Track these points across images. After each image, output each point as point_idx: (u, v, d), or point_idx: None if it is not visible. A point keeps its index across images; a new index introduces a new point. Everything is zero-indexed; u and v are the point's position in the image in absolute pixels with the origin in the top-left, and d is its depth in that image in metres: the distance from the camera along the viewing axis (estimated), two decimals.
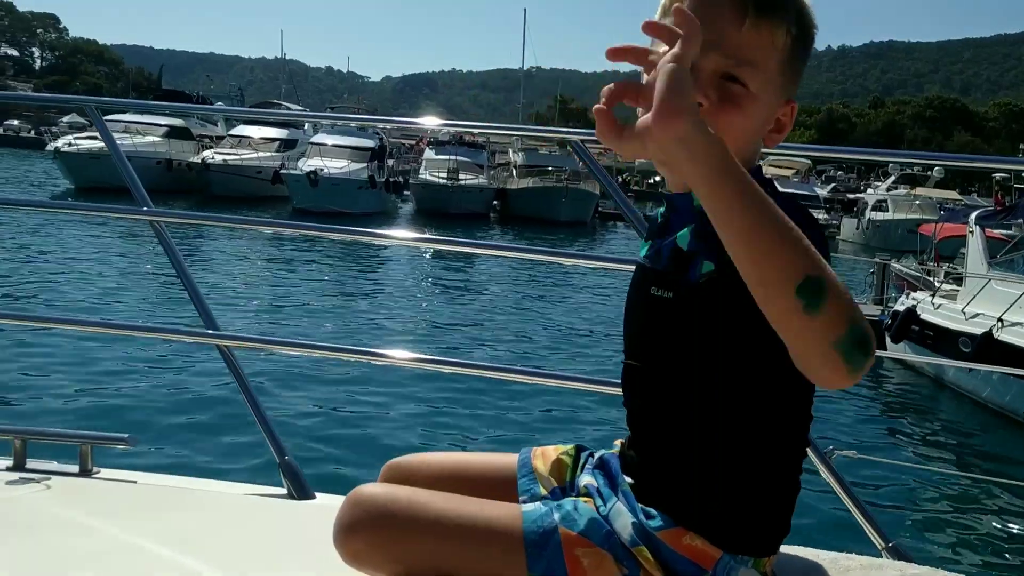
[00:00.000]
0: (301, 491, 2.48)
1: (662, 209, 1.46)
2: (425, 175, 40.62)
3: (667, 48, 1.02)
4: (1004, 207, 15.73)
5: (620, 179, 67.91)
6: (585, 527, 1.35)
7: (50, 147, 39.31)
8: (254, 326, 13.39)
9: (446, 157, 40.43)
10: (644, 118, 1.00)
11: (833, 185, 60.61)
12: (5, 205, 3.61)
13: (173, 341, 9.82)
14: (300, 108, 54.91)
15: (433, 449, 4.47)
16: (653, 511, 1.35)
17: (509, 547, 1.35)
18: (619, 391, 1.51)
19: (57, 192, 36.49)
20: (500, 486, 1.57)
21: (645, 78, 1.08)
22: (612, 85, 1.07)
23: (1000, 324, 11.42)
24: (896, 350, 13.88)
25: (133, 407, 8.80)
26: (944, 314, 13.48)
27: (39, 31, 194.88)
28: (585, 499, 1.43)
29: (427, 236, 3.09)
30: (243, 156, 39.04)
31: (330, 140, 38.44)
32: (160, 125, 41.61)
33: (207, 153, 39.83)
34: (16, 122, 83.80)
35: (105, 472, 2.56)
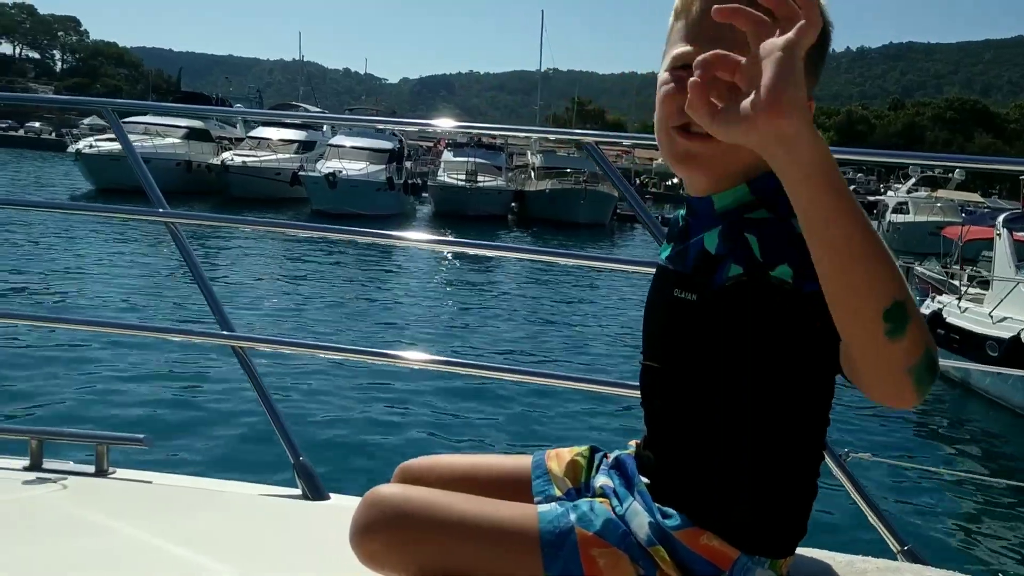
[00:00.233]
0: (315, 492, 2.49)
1: (682, 211, 1.45)
2: (443, 177, 40.57)
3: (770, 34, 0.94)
4: None
5: (638, 181, 67.72)
6: (601, 527, 1.35)
7: (71, 149, 39.53)
8: (271, 327, 13.41)
9: (464, 159, 40.36)
10: (748, 104, 0.93)
11: (853, 187, 59.81)
12: (23, 207, 3.64)
13: (188, 342, 9.80)
14: (319, 110, 55.09)
15: (448, 451, 4.48)
16: (670, 511, 1.35)
17: (525, 548, 1.35)
18: (634, 393, 1.50)
19: (78, 194, 36.67)
20: (514, 488, 1.57)
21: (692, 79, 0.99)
22: (709, 54, 0.97)
23: None
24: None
25: (149, 408, 8.84)
26: (971, 318, 13.37)
27: (60, 34, 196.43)
28: (601, 500, 1.43)
29: (437, 238, 3.11)
30: (262, 158, 39.18)
31: (348, 142, 38.49)
32: (180, 127, 41.78)
33: (226, 155, 39.93)
34: (37, 124, 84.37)
35: (121, 472, 2.57)
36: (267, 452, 6.80)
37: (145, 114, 41.15)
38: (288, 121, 42.20)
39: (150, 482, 2.53)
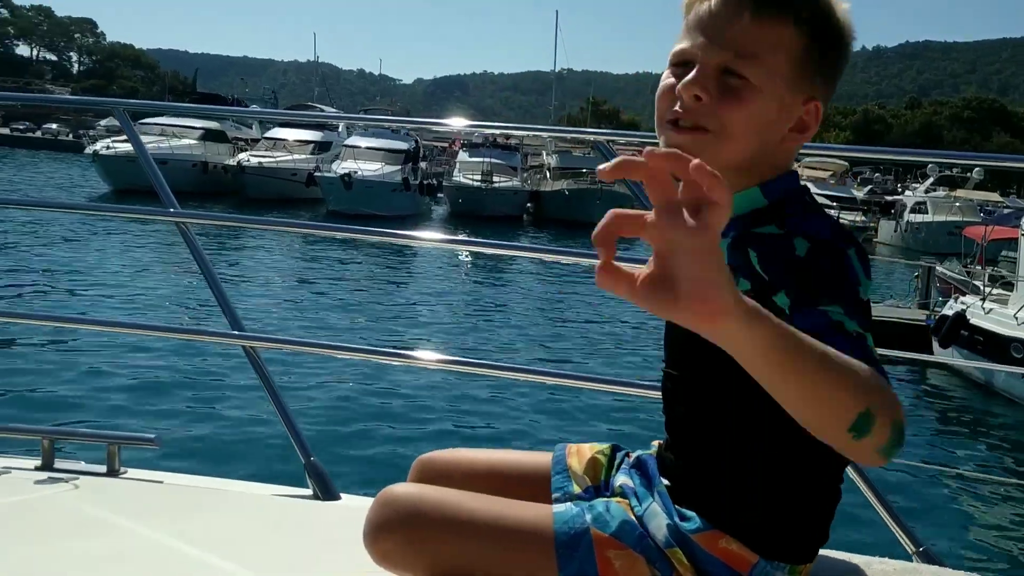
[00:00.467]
0: (327, 492, 2.49)
1: None
2: (459, 177, 40.55)
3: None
4: None
5: None
6: (617, 528, 1.35)
7: (88, 150, 39.68)
8: (286, 327, 13.44)
9: (480, 159, 40.33)
10: (676, 290, 0.83)
11: (870, 187, 59.85)
12: (35, 207, 3.65)
13: (199, 342, 9.83)
14: (334, 111, 55.16)
15: None
16: (689, 513, 1.34)
17: (540, 548, 1.34)
18: (652, 394, 1.53)
19: (95, 195, 36.84)
20: (533, 484, 1.57)
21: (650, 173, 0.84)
22: (603, 224, 0.86)
23: None
24: (944, 355, 13.67)
25: (160, 407, 8.88)
26: (995, 319, 13.28)
27: (77, 36, 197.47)
28: (619, 499, 1.43)
29: (444, 236, 3.10)
30: (278, 158, 39.24)
31: (364, 142, 38.49)
32: (196, 128, 41.89)
33: (242, 156, 40.00)
34: (55, 126, 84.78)
35: (132, 472, 2.58)
36: (278, 452, 6.97)
37: (161, 115, 41.37)
38: (304, 122, 42.21)
39: (161, 482, 2.54)
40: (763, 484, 1.31)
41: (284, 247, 23.86)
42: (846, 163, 52.45)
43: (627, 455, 1.58)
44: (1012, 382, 12.59)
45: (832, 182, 48.77)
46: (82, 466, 2.58)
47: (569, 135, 9.20)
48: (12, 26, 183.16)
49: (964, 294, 15.65)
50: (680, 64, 1.29)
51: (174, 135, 39.69)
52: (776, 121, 1.29)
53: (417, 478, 1.63)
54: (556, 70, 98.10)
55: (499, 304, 17.94)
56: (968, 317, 13.70)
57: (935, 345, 13.93)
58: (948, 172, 44.94)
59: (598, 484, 1.55)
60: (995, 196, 46.74)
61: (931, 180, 45.79)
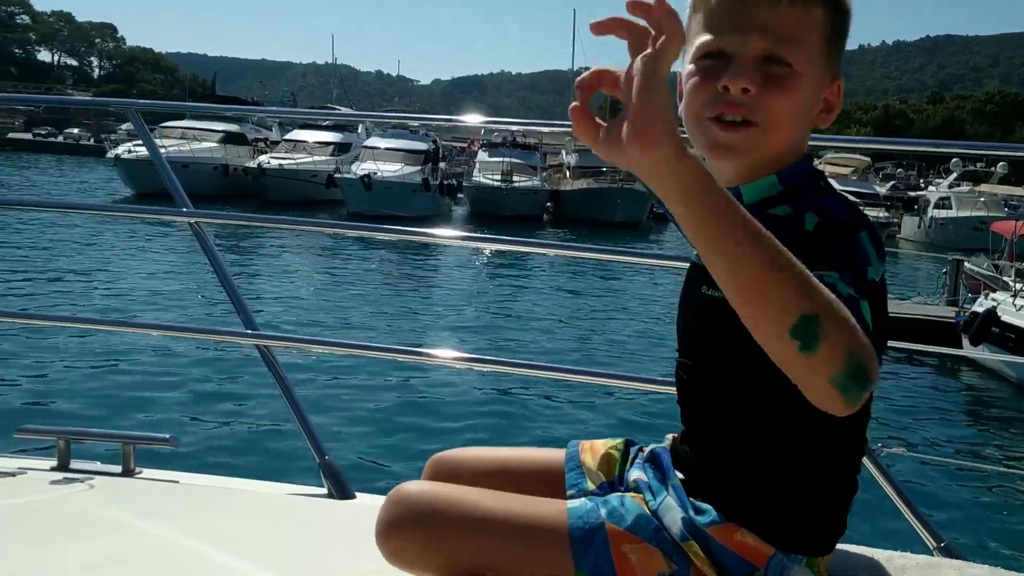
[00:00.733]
0: (342, 491, 2.48)
1: None
2: (479, 177, 40.57)
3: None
4: None
5: None
6: (632, 523, 1.34)
7: (110, 154, 39.94)
8: (305, 327, 13.51)
9: (500, 159, 40.35)
10: (623, 131, 0.92)
11: (892, 183, 59.34)
12: (50, 208, 3.62)
13: (213, 342, 9.86)
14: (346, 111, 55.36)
15: None
16: (704, 506, 1.34)
17: (555, 544, 1.34)
18: (670, 390, 1.48)
19: (117, 199, 37.08)
20: (547, 481, 1.56)
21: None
22: (587, 73, 0.97)
23: None
24: (974, 353, 13.48)
25: (175, 407, 8.93)
26: None
27: (97, 41, 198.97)
28: (634, 494, 1.42)
29: (460, 233, 3.09)
30: (298, 160, 39.35)
31: (383, 143, 38.57)
32: (216, 131, 42.10)
33: (263, 158, 40.16)
34: (76, 130, 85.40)
35: (147, 472, 2.58)
36: (293, 451, 6.99)
37: (182, 117, 41.55)
38: (324, 124, 42.33)
39: (176, 482, 2.54)
40: (779, 475, 1.31)
41: (303, 248, 23.97)
42: (868, 159, 52.05)
43: (640, 449, 1.57)
44: None
45: (854, 178, 48.37)
46: (97, 466, 2.58)
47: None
48: (33, 32, 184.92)
49: (994, 290, 15.42)
50: (707, 57, 1.27)
51: (194, 138, 39.88)
52: (812, 106, 1.30)
53: (431, 477, 1.62)
54: (574, 69, 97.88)
55: (515, 302, 17.94)
56: (999, 314, 13.49)
57: (965, 343, 13.72)
58: (972, 167, 44.58)
59: (612, 479, 1.54)
60: (1020, 191, 46.05)
61: (954, 175, 45.37)
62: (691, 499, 1.36)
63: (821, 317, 0.92)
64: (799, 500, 1.31)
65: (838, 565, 1.44)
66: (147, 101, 4.59)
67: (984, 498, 8.20)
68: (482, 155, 43.97)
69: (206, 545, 2.05)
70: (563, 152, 48.85)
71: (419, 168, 37.26)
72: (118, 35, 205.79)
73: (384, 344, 3.12)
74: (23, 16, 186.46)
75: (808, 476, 1.31)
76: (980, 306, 14.36)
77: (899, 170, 67.53)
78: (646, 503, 1.39)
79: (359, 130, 43.61)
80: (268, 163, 38.64)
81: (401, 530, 1.37)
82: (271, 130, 49.56)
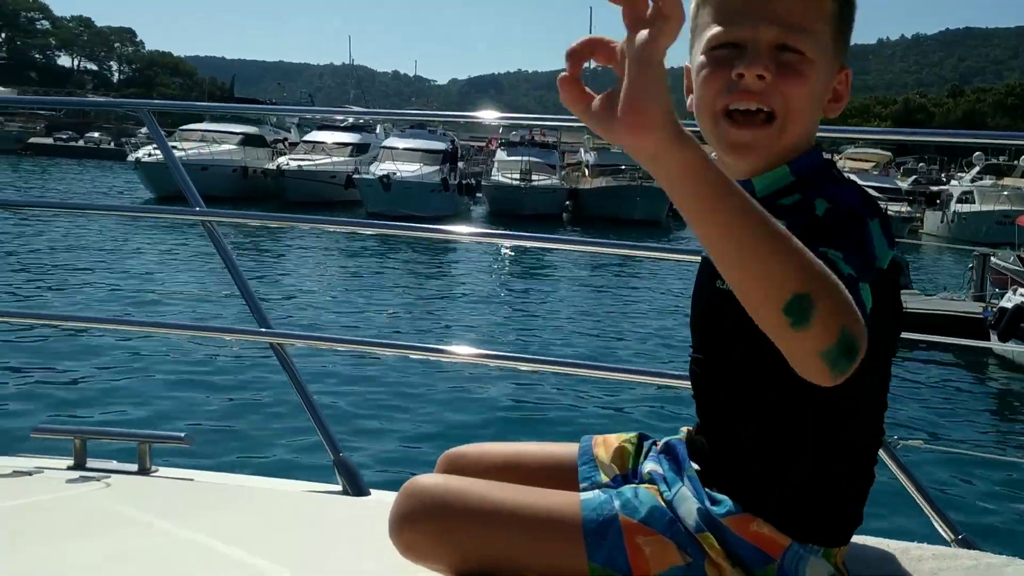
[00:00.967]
0: (356, 488, 2.47)
1: None
2: (497, 177, 40.57)
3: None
4: None
5: None
6: (646, 514, 1.34)
7: (131, 158, 40.10)
8: (321, 325, 13.58)
9: (518, 158, 40.30)
10: (615, 112, 0.90)
11: (914, 177, 58.89)
12: (65, 208, 3.61)
13: (227, 340, 9.89)
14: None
15: None
16: (720, 496, 1.33)
17: (568, 536, 1.33)
18: (683, 384, 1.52)
19: (138, 201, 37.29)
20: (560, 475, 1.55)
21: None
22: (579, 41, 0.96)
23: None
24: (1002, 345, 13.32)
25: (190, 406, 8.96)
26: None
27: (116, 45, 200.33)
28: (648, 486, 1.41)
29: (474, 229, 3.16)
30: (317, 162, 39.41)
31: (402, 144, 38.59)
32: (235, 133, 42.25)
33: (282, 159, 40.25)
34: (97, 134, 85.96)
35: (163, 471, 2.58)
36: (307, 449, 7.01)
37: (202, 120, 41.72)
38: (342, 124, 42.46)
39: (192, 480, 2.54)
40: (794, 467, 1.30)
41: (322, 248, 24.09)
42: (889, 154, 51.69)
43: (654, 443, 1.57)
44: None
45: (875, 173, 48.03)
46: (114, 465, 2.58)
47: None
48: (53, 37, 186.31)
49: (1021, 285, 15.22)
50: (719, 48, 1.27)
51: (214, 140, 40.01)
52: (824, 94, 1.31)
53: (443, 471, 1.62)
54: (591, 66, 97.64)
55: (533, 300, 17.93)
56: None
57: (993, 339, 13.55)
58: (994, 160, 44.17)
59: (626, 472, 1.54)
60: None
61: (977, 169, 45.02)
62: (707, 490, 1.35)
63: (813, 295, 0.91)
64: (815, 491, 1.31)
65: (854, 556, 1.42)
66: (159, 102, 4.59)
67: (1003, 490, 8.11)
68: (501, 154, 43.96)
69: (222, 542, 2.04)
70: (581, 150, 48.78)
71: (438, 168, 37.25)
72: (137, 39, 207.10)
73: (397, 341, 3.10)
74: (43, 21, 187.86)
75: (823, 468, 1.30)
76: (1008, 301, 14.17)
77: (920, 164, 67.08)
78: (661, 494, 1.38)
79: (377, 131, 43.64)
80: (287, 165, 38.72)
81: (414, 523, 1.38)
82: (290, 131, 49.69)
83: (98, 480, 2.45)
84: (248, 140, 42.79)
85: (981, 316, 14.58)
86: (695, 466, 1.40)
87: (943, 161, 69.82)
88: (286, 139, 47.60)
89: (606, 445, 1.59)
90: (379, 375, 10.29)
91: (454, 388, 10.07)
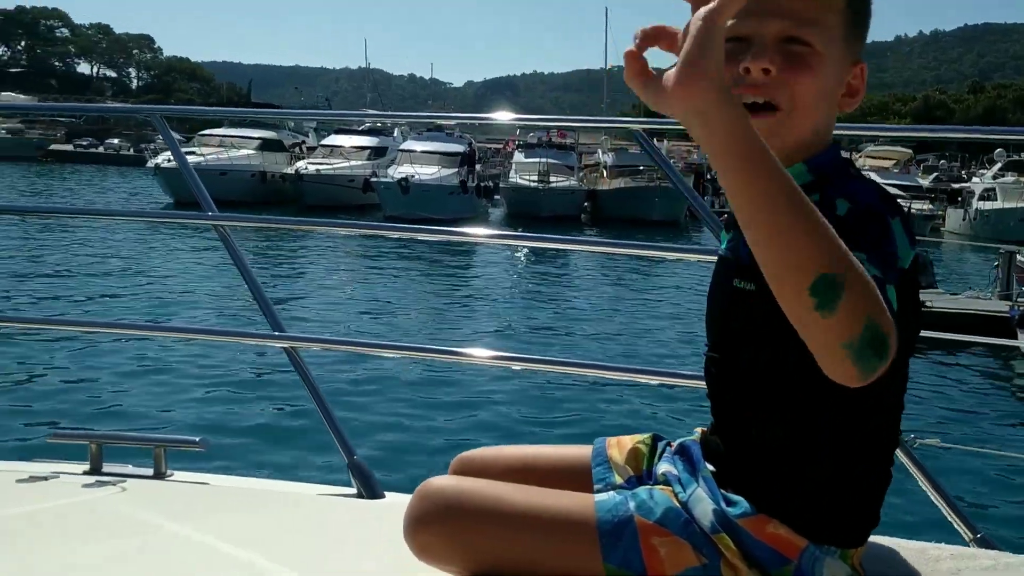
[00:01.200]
0: (371, 490, 2.49)
1: None
2: (515, 178, 40.56)
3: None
4: None
5: (710, 175, 66.92)
6: (661, 515, 1.34)
7: (150, 164, 40.29)
8: (335, 328, 13.60)
9: (536, 160, 40.28)
10: (668, 75, 0.96)
11: (935, 175, 58.44)
12: (78, 214, 3.62)
13: (240, 344, 9.93)
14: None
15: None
16: (736, 498, 1.33)
17: (583, 537, 1.33)
18: (698, 384, 1.54)
19: (158, 207, 37.48)
20: (574, 477, 1.54)
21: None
22: (648, 27, 1.03)
23: None
24: None
25: (204, 410, 8.98)
26: None
27: (135, 52, 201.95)
28: (663, 487, 1.41)
29: (489, 231, 3.23)
30: (335, 165, 39.50)
31: (419, 146, 38.63)
32: (253, 138, 42.39)
33: (300, 164, 40.40)
34: (116, 140, 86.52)
35: (178, 475, 2.61)
36: (322, 452, 6.97)
37: (220, 125, 41.89)
38: (360, 128, 42.58)
39: (207, 484, 2.56)
40: (810, 468, 1.29)
41: (339, 251, 24.18)
42: (909, 151, 51.31)
43: (668, 444, 1.57)
44: None
45: (896, 171, 47.70)
46: (129, 469, 2.60)
47: (613, 126, 8.99)
48: (73, 45, 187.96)
49: None
50: (727, 42, 1.22)
51: (232, 145, 40.15)
52: (835, 88, 1.30)
53: (456, 475, 1.61)
54: (607, 67, 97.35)
55: (551, 301, 17.87)
56: None
57: (1021, 338, 13.37)
58: (1017, 157, 43.72)
59: (640, 474, 1.53)
60: None
61: (999, 165, 44.58)
62: (722, 491, 1.35)
63: (841, 279, 0.91)
64: (832, 492, 1.30)
65: (871, 557, 1.42)
66: (170, 107, 4.59)
67: (1016, 489, 8.01)
68: (518, 156, 43.99)
69: (237, 546, 2.06)
70: (599, 152, 48.69)
71: (456, 170, 37.28)
72: (155, 46, 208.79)
73: (410, 343, 3.09)
74: (62, 29, 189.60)
75: (840, 469, 1.30)
76: None
77: (941, 162, 66.53)
78: (676, 495, 1.38)
79: (395, 134, 43.71)
80: (305, 169, 38.84)
81: (428, 524, 1.38)
82: (307, 136, 49.83)
83: (114, 485, 2.46)
84: (266, 145, 42.91)
85: (1008, 315, 14.39)
86: (710, 467, 1.40)
87: (964, 158, 69.31)
88: (303, 142, 47.74)
89: (620, 447, 1.59)
90: (393, 377, 10.30)
91: (468, 390, 10.05)
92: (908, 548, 1.66)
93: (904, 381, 1.33)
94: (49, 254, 20.24)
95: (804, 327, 0.94)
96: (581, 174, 44.51)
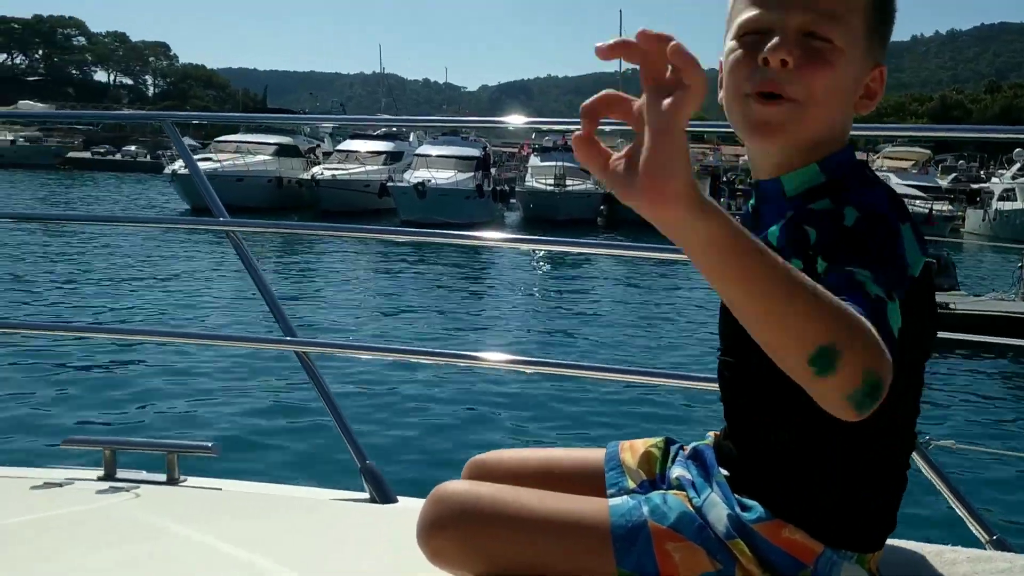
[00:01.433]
0: (383, 495, 2.50)
1: (752, 201, 1.42)
2: (532, 182, 40.53)
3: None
4: None
5: (725, 178, 66.77)
6: (675, 520, 1.33)
7: (167, 170, 40.47)
8: (348, 332, 13.61)
9: (552, 163, 40.22)
10: (633, 179, 0.86)
11: (954, 175, 58.07)
12: (91, 221, 3.63)
13: (252, 349, 9.98)
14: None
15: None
16: (750, 502, 1.32)
17: (597, 542, 1.33)
18: (711, 386, 1.53)
19: (175, 213, 37.68)
20: (587, 481, 1.54)
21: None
22: (594, 98, 0.91)
23: None
24: None
25: (217, 416, 9.02)
26: None
27: (151, 59, 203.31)
28: (676, 492, 1.40)
29: (503, 235, 3.17)
30: (351, 171, 39.58)
31: (435, 151, 38.70)
32: (269, 144, 42.55)
33: (316, 169, 40.49)
34: (133, 147, 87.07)
35: (191, 480, 2.62)
36: (334, 457, 6.95)
37: (237, 131, 42.06)
38: (375, 133, 42.68)
39: (220, 489, 2.57)
40: (825, 473, 1.28)
41: (356, 256, 24.29)
42: (928, 151, 51.02)
43: (681, 448, 1.56)
44: None
45: (914, 171, 47.43)
46: (143, 475, 2.62)
47: (626, 127, 8.94)
48: (90, 53, 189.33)
49: None
50: (750, 33, 1.26)
51: (248, 151, 40.29)
52: (852, 88, 1.28)
53: (469, 479, 1.60)
54: (621, 71, 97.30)
55: (567, 305, 17.86)
56: None
57: None
58: None
59: (653, 478, 1.53)
60: None
61: (1018, 165, 44.22)
62: (736, 495, 1.34)
63: (838, 346, 0.90)
64: (848, 496, 1.29)
65: (887, 560, 1.42)
66: (180, 113, 4.60)
67: None
68: (534, 160, 43.99)
69: (250, 551, 2.07)
70: (614, 154, 48.64)
71: (472, 175, 37.31)
72: (171, 53, 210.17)
73: (421, 348, 3.07)
74: (79, 38, 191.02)
75: (855, 473, 1.29)
76: None
77: (960, 162, 66.10)
78: (689, 500, 1.37)
79: (411, 139, 43.77)
80: (321, 174, 38.92)
81: (442, 529, 1.37)
82: (323, 141, 49.98)
83: (127, 490, 2.48)
84: (282, 150, 43.07)
85: None
86: (724, 472, 1.39)
87: (982, 158, 68.88)
88: (318, 146, 47.89)
89: (632, 450, 1.58)
90: (405, 381, 10.33)
91: (479, 393, 10.06)
92: (924, 551, 1.65)
93: (920, 385, 1.32)
94: (65, 260, 20.42)
95: (804, 385, 0.93)
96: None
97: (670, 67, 0.84)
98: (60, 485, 2.52)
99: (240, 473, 3.57)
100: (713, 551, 1.30)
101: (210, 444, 2.69)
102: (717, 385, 1.48)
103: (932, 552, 1.65)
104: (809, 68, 1.22)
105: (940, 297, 14.38)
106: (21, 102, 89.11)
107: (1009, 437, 10.02)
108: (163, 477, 2.60)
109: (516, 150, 60.56)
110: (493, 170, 42.89)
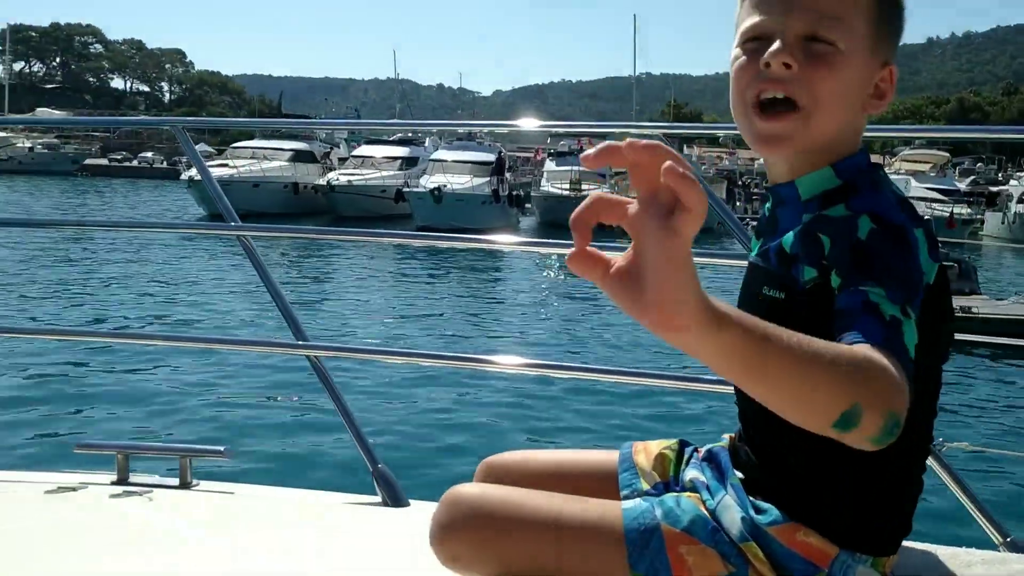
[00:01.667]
0: (396, 499, 2.50)
1: (768, 204, 1.42)
2: (547, 187, 40.53)
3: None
4: None
5: (740, 182, 66.63)
6: (689, 524, 1.32)
7: (184, 176, 40.67)
8: (362, 337, 13.63)
9: (567, 168, 40.20)
10: (638, 296, 0.81)
11: (973, 178, 57.74)
12: (106, 227, 3.67)
13: (264, 353, 10.03)
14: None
15: None
16: (765, 505, 1.31)
17: (610, 545, 1.32)
18: (726, 389, 1.51)
19: (191, 219, 37.86)
20: (600, 482, 1.54)
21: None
22: (582, 207, 0.86)
23: None
24: None
25: (229, 420, 9.03)
26: None
27: (167, 66, 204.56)
28: (690, 494, 1.40)
29: (516, 239, 3.24)
30: (367, 176, 39.66)
31: (451, 156, 38.72)
32: (285, 150, 42.70)
33: (331, 175, 40.59)
34: (150, 154, 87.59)
35: (204, 484, 2.63)
36: (346, 460, 7.01)
37: (252, 137, 42.24)
38: (391, 138, 42.77)
39: (232, 493, 2.58)
40: (840, 476, 1.27)
41: (372, 261, 24.30)
42: (946, 154, 50.73)
43: (696, 450, 1.55)
44: None
45: (932, 174, 47.16)
46: (156, 479, 2.63)
47: (640, 130, 8.90)
48: (107, 60, 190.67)
49: None
50: (753, 39, 1.27)
51: (264, 157, 40.42)
52: (860, 89, 1.27)
53: (482, 481, 1.60)
54: (635, 74, 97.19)
55: (582, 309, 17.76)
56: None
57: None
58: None
59: (667, 480, 1.52)
60: None
61: None
62: (751, 498, 1.33)
63: (859, 407, 0.91)
64: (863, 499, 1.29)
65: (901, 562, 1.42)
66: (192, 119, 4.60)
67: None
68: (549, 164, 43.96)
69: (263, 555, 2.08)
70: None
71: (487, 180, 37.26)
72: (187, 60, 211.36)
73: (433, 351, 3.07)
74: (96, 45, 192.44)
75: (871, 477, 1.28)
76: None
77: (978, 164, 65.78)
78: (703, 503, 1.37)
79: (426, 144, 43.82)
80: (337, 180, 39.00)
81: (455, 532, 1.37)
82: (338, 146, 50.11)
83: (140, 495, 2.49)
84: (298, 156, 43.20)
85: None
86: (738, 474, 1.39)
87: (1001, 161, 68.52)
88: (332, 150, 48.01)
89: (646, 452, 1.58)
90: (416, 385, 10.32)
91: (492, 396, 10.05)
92: (938, 553, 1.65)
93: (937, 388, 1.31)
94: (79, 265, 20.51)
95: (828, 437, 0.95)
96: (612, 181, 44.40)
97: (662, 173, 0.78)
98: (74, 489, 2.52)
99: (252, 477, 3.58)
100: (727, 554, 1.29)
101: (223, 448, 2.70)
102: (732, 388, 1.44)
103: (946, 554, 1.65)
104: (812, 71, 1.22)
105: (962, 302, 14.25)
106: (39, 110, 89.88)
107: (1018, 437, 9.94)
108: (176, 481, 2.61)
109: (531, 155, 60.57)
110: (508, 175, 42.89)
